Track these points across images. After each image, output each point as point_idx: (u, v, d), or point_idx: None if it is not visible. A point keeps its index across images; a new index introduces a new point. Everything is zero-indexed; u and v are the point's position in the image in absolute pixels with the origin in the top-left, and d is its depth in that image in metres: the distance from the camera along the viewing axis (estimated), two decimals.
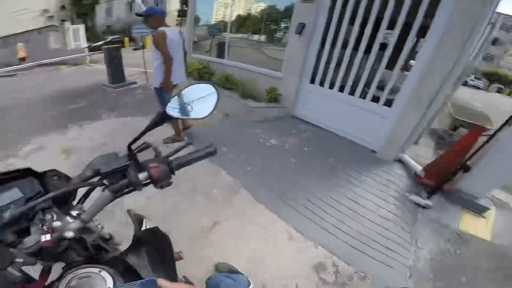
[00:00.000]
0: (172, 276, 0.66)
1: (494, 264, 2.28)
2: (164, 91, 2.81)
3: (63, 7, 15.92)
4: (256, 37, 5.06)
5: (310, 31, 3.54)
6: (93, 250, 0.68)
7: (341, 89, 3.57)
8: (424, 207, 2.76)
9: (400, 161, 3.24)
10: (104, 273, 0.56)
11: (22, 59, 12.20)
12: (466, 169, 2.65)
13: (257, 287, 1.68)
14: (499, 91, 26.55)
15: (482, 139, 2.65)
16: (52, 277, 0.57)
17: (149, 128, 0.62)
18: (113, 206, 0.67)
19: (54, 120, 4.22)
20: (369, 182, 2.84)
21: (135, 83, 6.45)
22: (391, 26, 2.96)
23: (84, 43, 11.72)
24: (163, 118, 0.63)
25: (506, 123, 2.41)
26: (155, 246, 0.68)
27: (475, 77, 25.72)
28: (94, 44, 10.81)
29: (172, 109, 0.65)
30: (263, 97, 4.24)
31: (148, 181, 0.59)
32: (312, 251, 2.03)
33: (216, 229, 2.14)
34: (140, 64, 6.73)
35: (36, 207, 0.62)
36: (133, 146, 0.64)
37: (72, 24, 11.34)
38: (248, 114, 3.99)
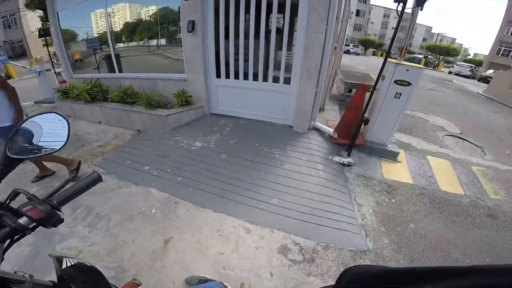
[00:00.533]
0: None
1: (427, 206, 2.63)
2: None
3: None
4: (154, 42, 4.65)
5: (202, 27, 3.50)
6: None
7: (245, 76, 3.72)
8: (348, 165, 3.14)
9: (315, 129, 3.63)
10: None
11: None
12: (366, 122, 3.17)
13: (235, 286, 1.67)
14: (374, 54, 33.20)
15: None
16: None
17: (0, 177, 0.57)
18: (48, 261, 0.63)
19: None
20: (295, 155, 3.06)
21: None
22: (271, 9, 3.18)
23: None
24: (10, 163, 0.57)
25: (379, 77, 2.99)
26: (84, 281, 0.65)
27: (353, 45, 31.22)
28: None
29: (16, 150, 0.58)
30: (174, 103, 3.99)
31: (34, 224, 0.57)
32: (270, 237, 2.09)
33: (170, 246, 2.00)
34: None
35: None
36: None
37: None
38: (163, 124, 3.70)
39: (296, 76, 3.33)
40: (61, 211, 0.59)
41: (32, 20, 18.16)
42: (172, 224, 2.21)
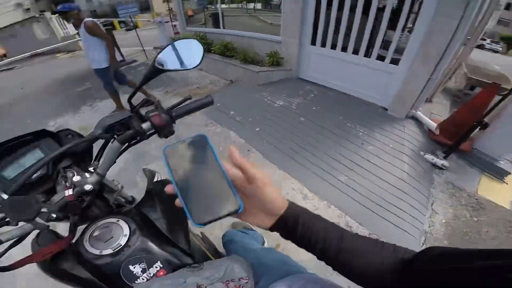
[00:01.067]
0: (183, 226, 0.69)
1: None
2: (109, 70, 3.15)
3: None
4: (251, 5, 5.01)
5: None
6: (114, 207, 0.74)
7: (344, 49, 3.48)
8: (440, 168, 2.63)
9: (413, 118, 3.15)
10: (121, 222, 0.62)
11: (3, 56, 12.21)
12: (484, 126, 2.49)
13: (271, 245, 1.71)
14: None
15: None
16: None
17: (144, 81, 0.64)
18: (134, 175, 0.70)
19: (66, 104, 4.30)
20: (382, 139, 2.75)
21: (135, 61, 6.52)
22: None
23: (72, 30, 11.34)
24: (155, 71, 0.65)
25: None
26: (166, 198, 0.71)
27: (491, 41, 24.70)
28: None
29: (163, 62, 0.67)
30: (265, 62, 4.15)
31: (152, 130, 0.63)
32: (325, 210, 2.02)
33: None
34: (136, 43, 6.61)
35: (57, 166, 0.67)
36: (135, 102, 0.69)
37: (53, 13, 10.95)
38: (253, 79, 3.94)
39: (408, 58, 2.89)
40: (175, 123, 0.65)
41: None
42: None
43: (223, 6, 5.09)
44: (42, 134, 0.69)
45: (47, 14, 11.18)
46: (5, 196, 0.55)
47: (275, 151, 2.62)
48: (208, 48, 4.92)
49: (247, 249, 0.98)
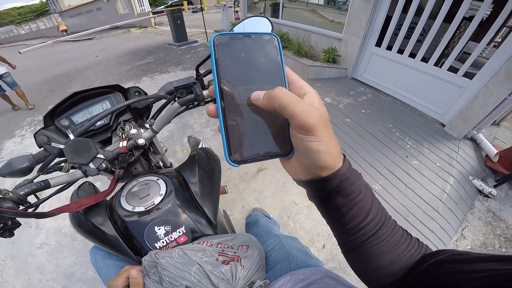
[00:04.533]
0: (215, 195, 0.68)
1: None
2: None
3: None
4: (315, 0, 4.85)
5: None
6: (155, 168, 0.78)
7: (412, 56, 3.20)
8: (486, 196, 2.38)
9: (472, 140, 2.82)
10: (160, 181, 0.64)
11: (64, 31, 13.95)
12: None
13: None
14: None
15: None
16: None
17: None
18: (175, 145, 0.71)
19: (130, 73, 4.86)
20: (430, 156, 2.55)
21: (196, 41, 6.94)
22: None
23: (148, 7, 12.47)
24: None
25: None
26: (206, 165, 0.73)
27: None
28: (158, 8, 11.42)
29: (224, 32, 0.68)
30: (320, 57, 4.03)
31: (210, 98, 0.66)
32: None
33: (260, 175, 2.23)
34: (199, 25, 7.01)
35: (119, 118, 0.72)
36: (201, 71, 0.70)
37: None
38: (304, 72, 3.87)
39: (487, 73, 2.52)
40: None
41: None
42: (273, 160, 2.42)
43: None
44: (115, 88, 0.75)
45: None
46: (72, 137, 0.60)
47: None
48: None
49: (270, 233, 0.98)
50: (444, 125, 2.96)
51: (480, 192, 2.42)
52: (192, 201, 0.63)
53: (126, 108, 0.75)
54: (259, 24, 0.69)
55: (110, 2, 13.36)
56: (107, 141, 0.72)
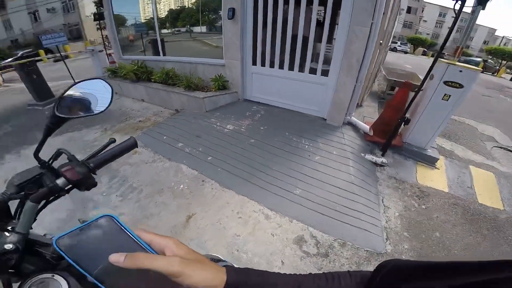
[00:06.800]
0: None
1: (459, 217, 2.46)
2: None
3: None
4: (196, 29, 4.90)
5: (241, 15, 3.58)
6: (54, 261, 0.67)
7: (281, 65, 3.72)
8: (381, 165, 2.97)
9: (350, 124, 3.51)
10: (57, 277, 0.57)
11: None
12: (406, 121, 2.94)
13: None
14: (424, 53, 30.47)
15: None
16: None
17: (47, 133, 0.60)
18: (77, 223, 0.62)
19: None
20: (326, 148, 3.00)
21: None
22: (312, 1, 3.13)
23: None
24: (57, 121, 0.60)
25: (427, 76, 2.80)
26: None
27: (401, 43, 29.05)
28: (3, 63, 9.08)
29: (66, 109, 0.61)
30: (211, 87, 4.18)
31: (70, 186, 0.59)
32: (288, 226, 2.09)
33: (192, 223, 2.12)
34: (66, 76, 6.01)
35: None
36: (45, 156, 0.62)
37: None
38: (199, 106, 3.91)
39: (335, 68, 3.25)
40: (96, 175, 0.60)
41: (87, 5, 19.98)
42: (197, 201, 2.33)
43: (165, 31, 4.98)
44: None
45: None
46: None
47: (230, 177, 2.63)
48: (148, 77, 4.74)
49: None
50: (325, 119, 3.60)
51: (376, 164, 3.00)
52: None
53: None
54: (97, 86, 0.67)
55: None
56: None
